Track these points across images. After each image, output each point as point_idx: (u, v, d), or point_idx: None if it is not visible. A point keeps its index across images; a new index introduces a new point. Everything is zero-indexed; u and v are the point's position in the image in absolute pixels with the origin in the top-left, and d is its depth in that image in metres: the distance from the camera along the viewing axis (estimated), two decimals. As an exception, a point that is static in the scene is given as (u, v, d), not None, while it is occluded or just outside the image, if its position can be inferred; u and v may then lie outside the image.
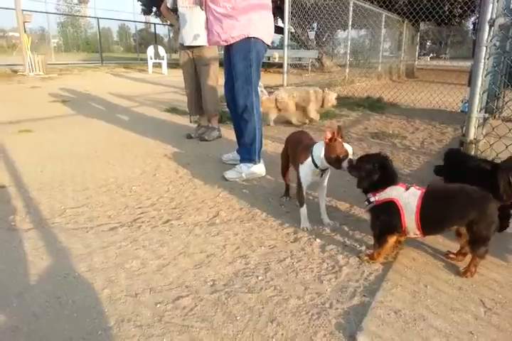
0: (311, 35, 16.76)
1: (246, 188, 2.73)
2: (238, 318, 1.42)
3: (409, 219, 1.67)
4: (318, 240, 2.02)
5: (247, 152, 2.96)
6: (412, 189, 1.71)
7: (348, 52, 10.16)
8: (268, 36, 2.84)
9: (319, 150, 2.04)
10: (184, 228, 2.12)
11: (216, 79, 4.08)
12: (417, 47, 17.69)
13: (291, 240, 2.03)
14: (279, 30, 9.50)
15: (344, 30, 11.44)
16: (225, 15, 2.69)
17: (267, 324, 1.39)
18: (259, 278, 1.67)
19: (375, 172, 1.73)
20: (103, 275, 1.67)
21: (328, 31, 14.43)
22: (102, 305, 1.49)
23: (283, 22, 7.12)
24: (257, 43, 2.76)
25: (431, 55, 38.25)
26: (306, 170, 2.11)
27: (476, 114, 2.56)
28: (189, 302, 1.50)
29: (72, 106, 6.01)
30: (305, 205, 2.17)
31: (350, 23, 9.55)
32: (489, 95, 3.95)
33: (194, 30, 3.85)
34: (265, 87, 8.88)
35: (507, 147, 2.61)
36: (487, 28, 2.39)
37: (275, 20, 17.14)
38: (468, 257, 1.71)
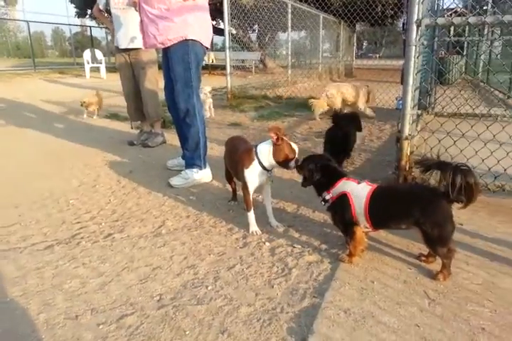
0: (253, 37, 16.91)
1: (193, 195, 2.66)
2: (187, 333, 1.36)
3: (359, 212, 1.72)
4: (267, 244, 2.00)
5: (192, 157, 2.89)
6: (363, 184, 1.77)
7: (290, 53, 10.34)
8: (206, 38, 2.80)
9: (265, 151, 2.04)
10: (127, 241, 2.02)
11: (156, 82, 3.97)
12: (354, 48, 18.44)
13: (240, 245, 1.99)
14: (220, 32, 9.49)
15: (284, 31, 11.62)
16: (160, 17, 2.61)
17: (217, 336, 1.35)
18: (209, 287, 1.62)
19: (318, 171, 1.80)
20: (39, 299, 1.54)
21: (269, 33, 14.63)
22: (39, 332, 1.38)
23: (223, 24, 7.10)
24: (195, 45, 2.71)
25: (369, 54, 39.99)
26: (252, 173, 2.08)
27: (410, 111, 2.66)
28: (134, 321, 1.42)
29: (1, 116, 5.59)
30: (252, 209, 2.15)
31: (289, 24, 9.72)
32: (421, 92, 4.17)
33: (130, 32, 3.72)
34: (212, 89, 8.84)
35: (439, 141, 2.75)
36: (415, 28, 2.50)
37: (216, 22, 17.15)
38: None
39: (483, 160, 2.64)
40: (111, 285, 1.63)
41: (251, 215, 2.14)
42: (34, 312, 1.47)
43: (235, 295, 1.57)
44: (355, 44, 18.77)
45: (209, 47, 2.92)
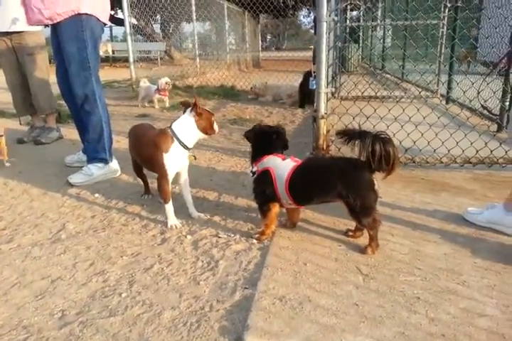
0: (156, 27, 16.21)
1: (98, 192, 2.34)
2: (99, 353, 1.12)
3: (281, 187, 1.66)
4: (189, 237, 1.80)
5: (95, 150, 2.55)
6: (288, 160, 1.72)
7: (197, 44, 10.03)
8: (103, 12, 2.46)
9: (187, 128, 1.85)
10: (18, 252, 1.68)
11: (46, 70, 3.48)
12: (260, 40, 18.65)
13: (158, 242, 1.77)
14: (120, 21, 8.84)
15: (189, 22, 11.26)
16: None
17: (137, 350, 1.13)
18: (123, 295, 1.38)
19: (254, 139, 1.79)
20: None
21: (173, 23, 14.10)
22: None
23: (122, 12, 6.58)
24: (90, 20, 2.37)
25: (273, 47, 41.02)
26: (173, 156, 1.84)
27: (324, 89, 2.63)
28: (29, 348, 1.14)
29: None
30: (171, 201, 1.92)
31: (194, 11, 9.39)
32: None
33: (11, 13, 3.20)
34: (113, 82, 8.23)
35: (353, 118, 2.76)
36: (325, 3, 2.46)
37: (115, 11, 16.10)
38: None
39: (394, 135, 2.71)
40: (-4, 308, 1.31)
41: (169, 207, 1.91)
42: None
43: (154, 300, 1.35)
44: (259, 36, 19.00)
45: (107, 23, 2.58)
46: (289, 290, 1.37)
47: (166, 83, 5.12)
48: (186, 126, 1.86)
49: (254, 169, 1.75)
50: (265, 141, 1.76)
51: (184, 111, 1.91)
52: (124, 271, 1.53)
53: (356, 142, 1.54)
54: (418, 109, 2.81)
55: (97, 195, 2.31)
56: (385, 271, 1.49)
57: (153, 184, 2.19)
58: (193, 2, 9.13)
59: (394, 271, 1.49)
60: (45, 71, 3.48)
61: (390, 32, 9.34)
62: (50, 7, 2.27)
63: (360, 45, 12.37)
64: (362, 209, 1.56)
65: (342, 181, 1.57)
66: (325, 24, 2.49)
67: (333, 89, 2.73)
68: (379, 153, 1.47)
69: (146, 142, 1.92)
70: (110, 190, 2.39)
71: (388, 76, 8.79)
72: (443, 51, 5.34)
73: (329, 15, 2.47)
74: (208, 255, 1.64)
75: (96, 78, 2.46)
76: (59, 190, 2.37)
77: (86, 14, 2.33)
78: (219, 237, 1.79)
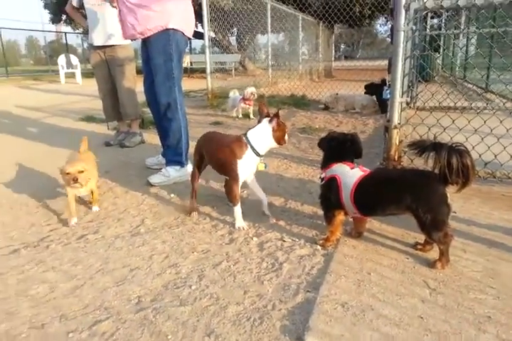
0: (232, 40, 16.86)
1: (174, 193, 2.51)
2: (169, 337, 1.22)
3: (346, 197, 1.66)
4: (255, 239, 1.87)
5: (174, 153, 2.74)
6: (357, 169, 1.72)
7: (270, 54, 10.28)
8: (188, 27, 2.66)
9: (261, 136, 1.95)
10: (102, 242, 1.86)
11: (133, 80, 3.81)
12: (333, 49, 18.56)
13: (226, 242, 1.86)
14: (198, 35, 9.36)
15: (263, 34, 11.58)
16: (139, 6, 2.47)
17: (203, 339, 1.21)
18: (193, 287, 1.48)
19: (328, 146, 1.80)
20: (1, 307, 1.37)
21: (248, 35, 14.59)
22: (-1, 345, 1.21)
23: (202, 27, 6.99)
24: (176, 35, 2.57)
25: (347, 56, 40.50)
26: (246, 162, 1.94)
27: (399, 99, 2.59)
28: (109, 327, 1.27)
29: (-29, 122, 5.34)
30: (239, 203, 2.01)
31: (269, 23, 9.66)
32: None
33: (106, 29, 3.59)
34: (190, 91, 8.70)
35: (429, 129, 2.67)
36: (403, 12, 2.43)
37: (195, 25, 16.99)
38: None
39: (473, 147, 2.57)
40: (83, 289, 1.48)
41: (237, 210, 2.00)
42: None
43: (221, 294, 1.43)
44: (333, 45, 18.90)
45: (191, 37, 2.79)
46: (351, 297, 1.37)
47: (252, 93, 5.17)
48: (262, 135, 1.95)
49: (323, 175, 1.77)
50: (338, 148, 1.77)
51: (260, 120, 1.99)
52: (194, 265, 1.64)
53: (431, 154, 1.51)
54: (501, 121, 2.65)
55: (172, 195, 2.48)
56: (454, 287, 1.43)
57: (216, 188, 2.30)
58: (269, 15, 9.39)
59: (464, 288, 1.43)
60: (132, 81, 3.81)
61: (473, 40, 8.82)
62: (142, 23, 2.50)
63: (441, 53, 11.81)
64: (433, 223, 1.51)
65: (413, 193, 1.53)
66: (402, 33, 2.46)
67: (409, 99, 2.67)
68: (456, 165, 1.41)
69: (221, 148, 2.01)
70: (185, 191, 2.54)
71: (470, 86, 8.30)
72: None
73: (407, 24, 2.44)
74: (273, 257, 1.69)
75: (179, 88, 2.66)
76: (139, 189, 2.58)
77: (173, 29, 2.53)
78: (284, 241, 1.83)
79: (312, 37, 14.64)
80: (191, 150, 2.96)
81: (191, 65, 14.69)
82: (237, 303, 1.37)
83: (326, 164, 1.79)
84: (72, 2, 3.79)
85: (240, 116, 5.45)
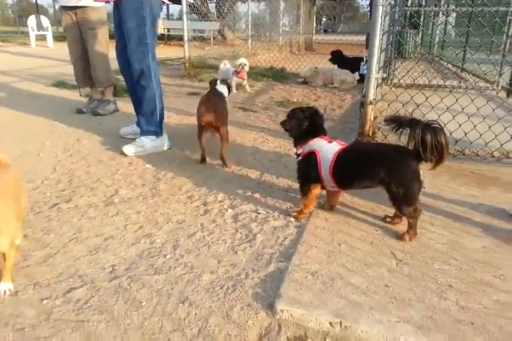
0: (212, 7, 16.24)
1: (149, 163, 2.48)
2: (144, 304, 1.24)
3: (325, 171, 1.68)
4: (230, 210, 1.89)
5: (148, 123, 2.68)
6: (334, 143, 1.73)
7: (250, 25, 10.00)
8: None
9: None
10: (75, 211, 1.84)
11: (106, 44, 3.65)
12: (314, 22, 18.20)
13: (201, 213, 1.87)
14: (177, 0, 8.96)
15: (244, 2, 11.21)
16: None
17: (177, 305, 1.24)
18: (167, 256, 1.50)
19: (305, 121, 1.76)
20: (-30, 276, 1.36)
21: (228, 3, 14.08)
22: (-29, 312, 1.20)
23: (180, -10, 6.68)
24: None
25: (328, 30, 39.89)
26: None
27: (375, 75, 2.59)
28: (84, 294, 1.28)
29: None
30: None
31: (248, -8, 9.34)
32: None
33: None
34: (166, 59, 8.43)
35: (403, 105, 2.71)
36: (382, -14, 2.39)
37: (172, -11, 16.14)
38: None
39: (445, 125, 2.63)
40: (56, 258, 1.47)
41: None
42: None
43: (195, 263, 1.46)
44: (314, 18, 18.54)
45: (166, 1, 2.67)
46: (321, 267, 1.42)
47: (242, 65, 4.75)
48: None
49: (299, 151, 1.78)
50: (311, 122, 1.77)
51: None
52: (169, 235, 1.65)
53: (405, 130, 1.53)
54: (472, 100, 2.71)
55: (147, 165, 2.45)
56: (420, 258, 1.50)
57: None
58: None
59: (429, 259, 1.50)
60: (104, 45, 3.64)
61: (451, 19, 8.83)
62: None
63: (419, 30, 11.80)
64: (404, 197, 1.56)
65: (386, 168, 1.57)
66: (381, 8, 2.43)
67: (385, 75, 2.68)
68: (430, 142, 1.44)
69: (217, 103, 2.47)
70: (160, 161, 2.52)
71: (446, 64, 8.38)
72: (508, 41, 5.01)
73: (386, -1, 2.41)
74: (247, 228, 1.72)
75: (152, 54, 2.56)
76: (113, 158, 2.54)
77: None
78: (258, 213, 1.86)
79: (293, 8, 14.29)
80: (167, 120, 2.92)
81: (168, 31, 14.15)
82: (211, 272, 1.40)
83: (301, 139, 1.79)
84: None
85: (235, 90, 4.90)
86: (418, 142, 1.48)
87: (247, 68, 4.76)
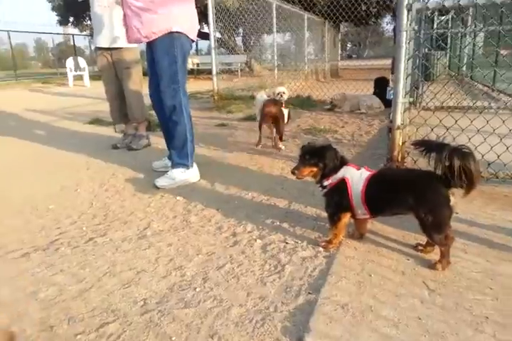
0: (238, 40, 16.89)
1: (180, 195, 2.56)
2: (174, 339, 1.26)
3: (357, 198, 1.67)
4: (259, 241, 1.91)
5: (179, 156, 2.78)
6: (363, 170, 1.73)
7: (276, 55, 10.30)
8: (192, 30, 2.70)
9: None
10: (110, 245, 1.91)
11: (140, 82, 3.86)
12: (339, 49, 18.51)
13: (230, 244, 1.89)
14: (205, 36, 9.42)
15: (269, 34, 11.60)
16: (144, 10, 2.52)
17: (206, 340, 1.25)
18: (197, 289, 1.52)
19: (334, 159, 1.73)
20: (11, 310, 1.43)
21: (254, 36, 14.62)
22: (11, 346, 1.26)
23: (208, 27, 7.04)
24: (181, 38, 2.61)
25: (353, 56, 40.36)
26: None
27: (402, 99, 2.60)
28: (116, 328, 1.31)
29: (-18, 126, 5.44)
30: None
31: (274, 23, 9.68)
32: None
33: (113, 31, 3.63)
34: (196, 93, 8.76)
35: (432, 129, 2.68)
36: (405, 12, 2.44)
37: (200, 26, 17.06)
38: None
39: (476, 148, 2.58)
40: (91, 292, 1.52)
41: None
42: (4, 325, 1.35)
43: (225, 296, 1.47)
44: (339, 45, 18.86)
45: (195, 40, 2.83)
46: (351, 299, 1.40)
47: (279, 93, 4.51)
48: None
49: (327, 183, 1.74)
50: (340, 156, 1.76)
51: None
52: (199, 268, 1.68)
53: (433, 155, 1.52)
54: (504, 121, 2.65)
55: (178, 197, 2.52)
56: (454, 288, 1.45)
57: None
58: (274, 14, 9.41)
59: (463, 289, 1.45)
60: (139, 83, 3.86)
61: (479, 38, 8.76)
62: (147, 26, 2.55)
63: (448, 52, 11.74)
64: (434, 224, 1.53)
65: (414, 194, 1.55)
66: (405, 33, 2.47)
67: (412, 99, 2.68)
68: (457, 167, 1.42)
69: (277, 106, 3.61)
70: (190, 193, 2.59)
71: (477, 84, 8.25)
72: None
73: (409, 25, 2.45)
74: (276, 259, 1.72)
75: (183, 90, 2.70)
76: (146, 191, 2.63)
77: (177, 32, 2.58)
78: (287, 243, 1.87)
79: (318, 36, 14.63)
80: (197, 151, 3.02)
81: (197, 66, 14.76)
82: (240, 305, 1.41)
83: (331, 172, 1.74)
84: None
85: None
86: (445, 167, 1.46)
87: (286, 96, 4.73)
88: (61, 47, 23.90)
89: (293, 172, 1.79)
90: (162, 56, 2.61)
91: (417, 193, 1.56)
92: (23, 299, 1.48)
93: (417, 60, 5.50)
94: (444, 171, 1.47)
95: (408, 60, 2.53)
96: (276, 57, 10.26)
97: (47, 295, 1.50)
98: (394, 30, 2.75)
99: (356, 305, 1.37)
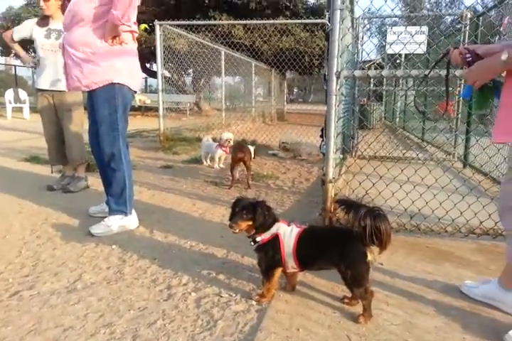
0: (188, 80, 17.27)
1: (115, 243, 2.51)
2: None
3: (288, 253, 1.76)
4: (193, 294, 1.92)
5: (117, 203, 2.76)
6: (293, 226, 1.83)
7: (223, 97, 10.66)
8: (134, 82, 2.77)
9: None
10: (37, 299, 1.83)
11: (81, 124, 3.83)
12: (285, 93, 19.51)
13: (164, 298, 1.89)
14: (154, 74, 9.58)
15: (219, 76, 12.04)
16: (85, 61, 2.57)
17: None
18: (126, 348, 1.50)
19: (266, 214, 1.81)
20: None
21: (203, 77, 15.06)
22: None
23: (157, 67, 7.19)
24: (122, 89, 2.67)
25: (299, 99, 42.53)
26: None
27: (333, 155, 2.82)
28: None
29: None
30: None
31: (223, 70, 10.10)
32: (345, 137, 4.47)
33: (56, 74, 3.62)
34: (142, 131, 8.73)
35: (360, 184, 2.92)
36: (334, 79, 2.70)
37: (150, 64, 17.25)
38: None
39: (399, 202, 2.83)
40: (11, 354, 1.45)
41: None
42: None
43: (154, 355, 1.46)
44: (286, 90, 19.88)
45: (138, 91, 2.91)
46: (279, 355, 1.45)
47: (227, 139, 4.89)
48: None
49: (259, 238, 1.81)
50: (269, 210, 1.84)
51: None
52: (129, 324, 1.65)
53: (351, 214, 1.67)
54: (430, 171, 2.95)
55: (114, 246, 2.47)
56: (374, 341, 1.56)
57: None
58: (223, 61, 9.84)
59: (382, 342, 1.55)
60: (80, 125, 3.82)
61: (410, 94, 9.71)
62: (88, 77, 2.58)
63: (383, 103, 12.80)
64: (353, 279, 1.66)
65: (335, 250, 1.69)
66: (334, 97, 2.72)
67: (342, 156, 2.91)
68: (369, 228, 1.58)
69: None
70: (127, 241, 2.55)
71: (409, 135, 9.02)
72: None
73: (338, 90, 2.71)
74: (209, 314, 1.74)
75: (123, 139, 2.73)
76: (80, 239, 2.56)
77: (119, 84, 2.63)
78: (221, 296, 1.89)
79: (265, 81, 15.41)
80: (137, 196, 3.01)
81: (144, 103, 14.77)
82: (169, 365, 1.41)
83: (264, 228, 1.81)
84: (13, 33, 3.75)
85: (222, 165, 5.11)
86: (359, 227, 1.60)
87: (232, 142, 4.94)
88: (1, 76, 22.99)
89: (231, 227, 1.83)
90: (102, 105, 2.64)
91: (338, 249, 1.70)
92: None
93: (353, 112, 6.00)
94: (358, 229, 1.62)
95: (337, 120, 2.78)
96: (223, 100, 10.62)
97: (-40, 360, 1.41)
98: (324, 78, 3.01)
99: (283, 361, 1.42)
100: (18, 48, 3.92)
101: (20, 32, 3.75)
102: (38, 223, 2.84)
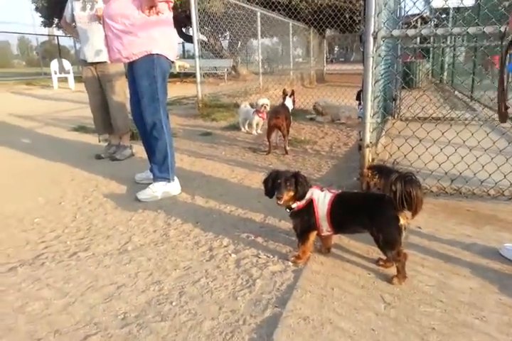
0: (225, 44, 16.99)
1: (160, 208, 2.67)
2: (150, 350, 1.38)
3: (322, 217, 1.83)
4: (233, 255, 2.04)
5: (160, 170, 2.90)
6: (326, 191, 1.89)
7: (260, 60, 10.46)
8: (171, 52, 2.83)
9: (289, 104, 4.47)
10: (92, 259, 2.02)
11: (124, 94, 3.96)
12: (325, 53, 18.76)
13: (206, 259, 2.02)
14: (190, 39, 9.49)
15: (256, 38, 11.75)
16: (125, 32, 2.64)
17: (180, 352, 1.38)
18: (173, 303, 1.65)
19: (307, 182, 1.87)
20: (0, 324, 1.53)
21: (240, 40, 14.75)
22: (0, 358, 1.37)
23: (192, 32, 7.12)
24: (160, 59, 2.74)
25: (340, 59, 40.81)
26: None
27: (370, 120, 2.76)
28: (98, 341, 1.43)
29: (-35, 132, 5.45)
30: None
31: (259, 32, 9.84)
32: (385, 99, 4.32)
33: (96, 45, 3.73)
34: (182, 98, 8.83)
35: (398, 148, 2.86)
36: (371, 40, 2.59)
37: (186, 29, 17.00)
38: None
39: (439, 165, 2.77)
40: (75, 306, 1.64)
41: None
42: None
43: (199, 310, 1.60)
44: (325, 50, 19.09)
45: (175, 61, 2.95)
46: (313, 312, 1.55)
47: (263, 105, 4.86)
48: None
49: (294, 205, 1.87)
50: (307, 181, 1.88)
51: (284, 98, 4.41)
52: (176, 282, 1.80)
53: (382, 180, 1.68)
54: (473, 133, 2.84)
55: (159, 211, 2.63)
56: (407, 301, 1.61)
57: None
58: (259, 22, 9.56)
59: (416, 302, 1.60)
60: (122, 96, 3.96)
61: (462, 48, 9.07)
62: (127, 48, 2.67)
63: (430, 60, 12.06)
64: (385, 242, 1.71)
65: (367, 215, 1.73)
66: (371, 59, 2.63)
67: (379, 120, 2.85)
68: (399, 193, 1.58)
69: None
70: (170, 206, 2.71)
71: (457, 93, 8.53)
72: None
73: (375, 51, 2.61)
74: (248, 273, 1.86)
75: (163, 108, 2.82)
76: (128, 204, 2.74)
77: (157, 54, 2.71)
78: (259, 257, 2.00)
79: (304, 41, 14.86)
80: (178, 163, 3.13)
81: (184, 69, 14.78)
82: (213, 318, 1.54)
83: (302, 196, 1.85)
84: (65, 18, 3.94)
85: (260, 131, 5.11)
86: (390, 192, 1.61)
87: (268, 108, 4.89)
88: (46, 47, 23.65)
89: (279, 198, 1.84)
90: (142, 76, 2.73)
91: (370, 214, 1.73)
92: (10, 314, 1.59)
93: (399, 67, 5.72)
94: (390, 195, 1.63)
95: (375, 83, 2.69)
96: (260, 64, 10.42)
97: (33, 310, 1.61)
98: (360, 39, 2.89)
99: (317, 317, 1.51)
100: (73, 32, 4.05)
101: (67, 14, 3.87)
102: (89, 190, 3.05)
